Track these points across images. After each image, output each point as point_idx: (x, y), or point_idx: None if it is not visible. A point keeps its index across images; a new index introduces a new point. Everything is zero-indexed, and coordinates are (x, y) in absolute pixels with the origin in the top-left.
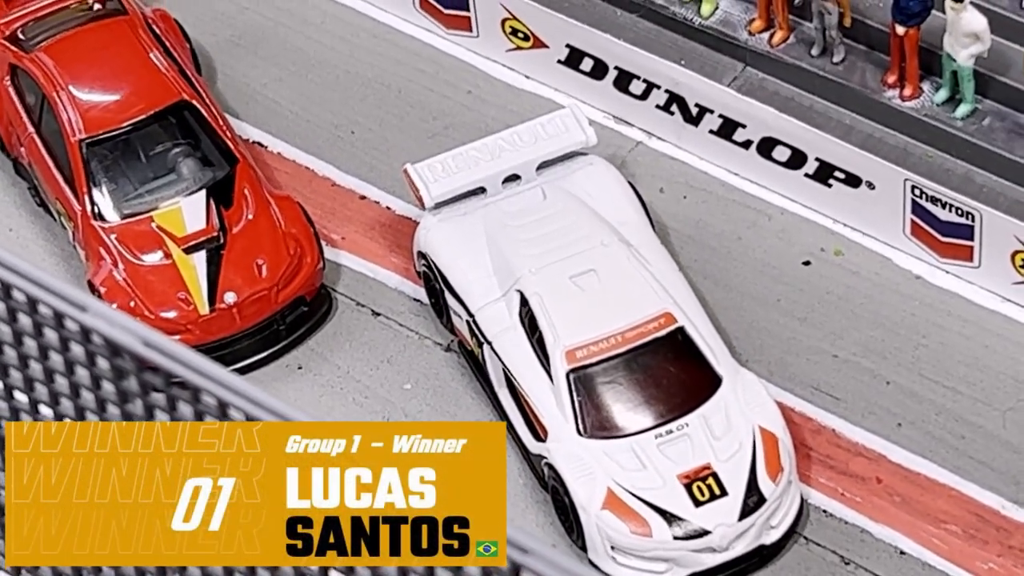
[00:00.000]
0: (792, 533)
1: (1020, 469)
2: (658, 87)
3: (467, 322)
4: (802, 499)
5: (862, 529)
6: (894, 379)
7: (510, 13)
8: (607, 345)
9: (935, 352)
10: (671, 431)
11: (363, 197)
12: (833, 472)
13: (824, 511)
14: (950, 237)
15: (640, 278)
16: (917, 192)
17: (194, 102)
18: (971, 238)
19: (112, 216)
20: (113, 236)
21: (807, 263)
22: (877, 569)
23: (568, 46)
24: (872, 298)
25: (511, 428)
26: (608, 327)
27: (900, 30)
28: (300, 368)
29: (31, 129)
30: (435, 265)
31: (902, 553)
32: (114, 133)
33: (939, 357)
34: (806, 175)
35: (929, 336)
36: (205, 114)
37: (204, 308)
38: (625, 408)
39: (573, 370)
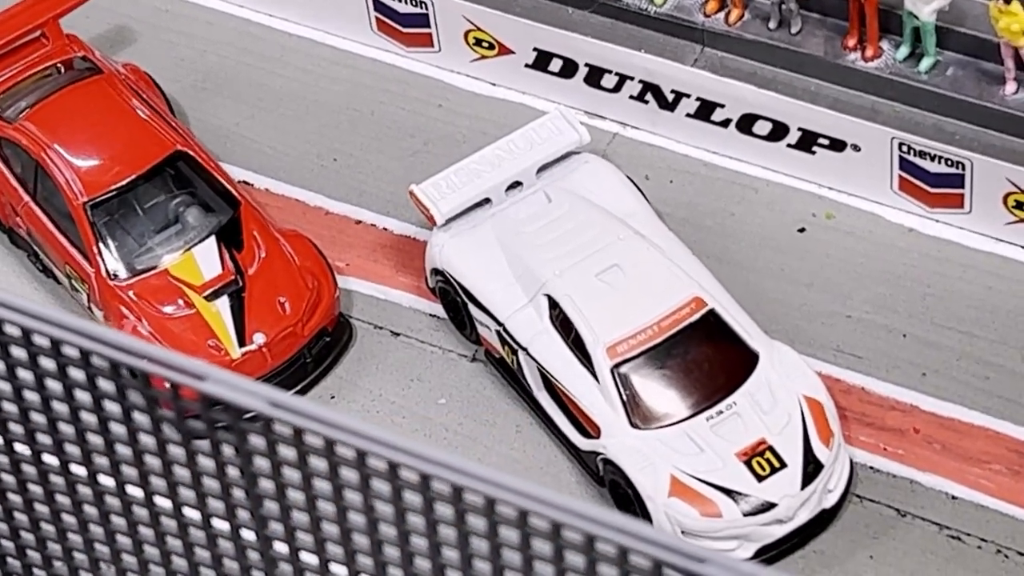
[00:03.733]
0: (847, 494)
1: None
2: (631, 78)
3: (496, 332)
4: (850, 459)
5: (911, 480)
6: (909, 331)
7: (473, 24)
8: (645, 337)
9: (942, 300)
10: (720, 411)
11: (359, 222)
12: (871, 429)
13: (871, 467)
14: (940, 188)
15: (662, 267)
16: (905, 149)
17: (188, 150)
18: (962, 186)
19: (127, 273)
20: (132, 292)
21: (802, 230)
22: (933, 516)
23: (536, 49)
24: (870, 256)
25: (555, 428)
26: (642, 319)
27: None
28: (333, 397)
29: (27, 198)
30: (455, 280)
31: (954, 498)
32: (116, 191)
33: (947, 304)
34: (788, 145)
35: (933, 285)
36: (200, 161)
37: (235, 352)
38: (672, 395)
39: (616, 365)
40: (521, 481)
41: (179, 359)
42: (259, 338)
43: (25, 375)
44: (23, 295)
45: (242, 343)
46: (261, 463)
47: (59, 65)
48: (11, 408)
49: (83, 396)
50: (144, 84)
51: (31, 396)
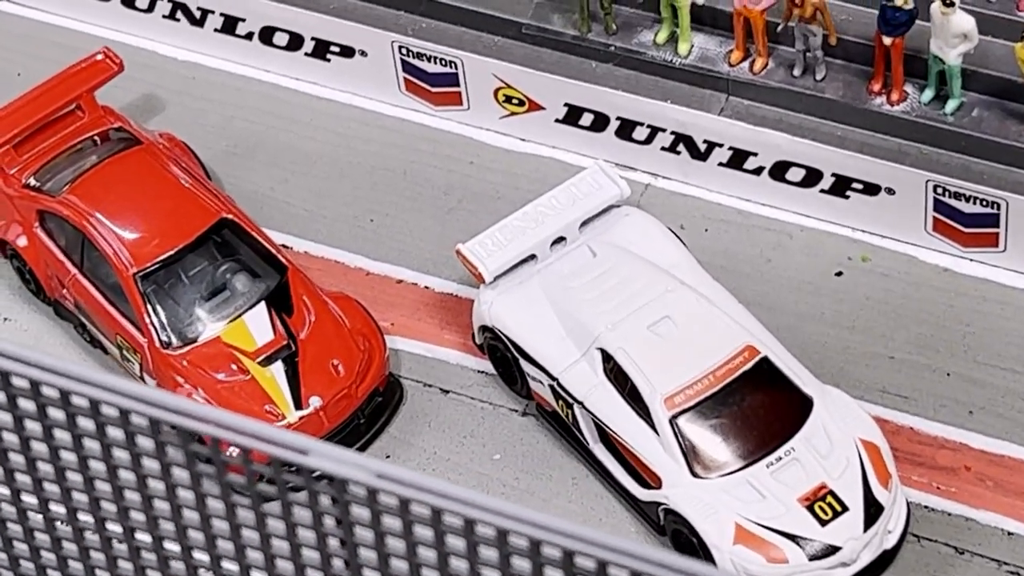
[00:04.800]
0: (905, 534)
1: None
2: (663, 130)
3: (550, 386)
4: (906, 499)
5: (966, 518)
6: (953, 370)
7: (503, 82)
8: (701, 387)
9: (982, 338)
10: (780, 458)
11: (400, 281)
12: (923, 468)
13: (925, 507)
14: (975, 228)
15: (713, 316)
16: (940, 191)
17: (233, 217)
18: (997, 225)
19: (179, 342)
20: (185, 361)
21: (839, 273)
22: (990, 553)
23: (567, 104)
24: (909, 296)
25: (613, 480)
26: (697, 369)
27: (887, 40)
28: (388, 457)
29: (74, 270)
30: (505, 336)
31: (1009, 534)
32: (165, 261)
33: (987, 342)
34: (822, 191)
35: (972, 323)
36: (246, 227)
37: (292, 416)
38: (731, 444)
39: (675, 416)
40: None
41: (280, 434)
42: (315, 401)
43: (91, 444)
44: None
45: (298, 407)
46: (364, 533)
47: (96, 137)
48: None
49: (151, 464)
50: (181, 152)
51: (97, 465)
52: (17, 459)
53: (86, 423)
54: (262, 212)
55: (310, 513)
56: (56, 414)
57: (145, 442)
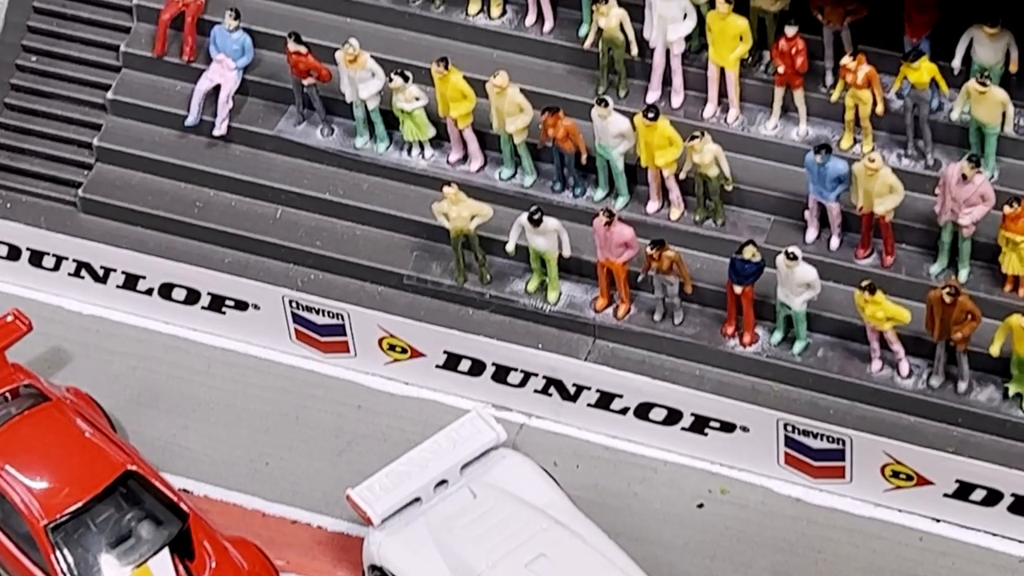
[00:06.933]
0: None
1: None
2: (535, 375)
3: None
4: None
5: None
6: None
7: (387, 332)
8: None
9: (833, 565)
10: None
11: (294, 522)
12: None
13: None
14: (823, 461)
15: (584, 553)
16: (790, 428)
17: (136, 469)
18: (843, 459)
19: None
20: None
21: (700, 505)
22: None
23: (446, 352)
24: (764, 525)
25: None
26: None
27: (738, 289)
28: None
29: None
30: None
31: None
32: (74, 512)
33: (838, 568)
34: (683, 428)
35: (824, 550)
36: (149, 477)
37: None
38: None
39: None
40: None
41: None
42: None
43: None
44: None
45: None
46: None
47: (7, 394)
48: None
49: None
50: (87, 405)
51: None
52: None
53: None
54: (164, 458)
55: None
56: None
57: None
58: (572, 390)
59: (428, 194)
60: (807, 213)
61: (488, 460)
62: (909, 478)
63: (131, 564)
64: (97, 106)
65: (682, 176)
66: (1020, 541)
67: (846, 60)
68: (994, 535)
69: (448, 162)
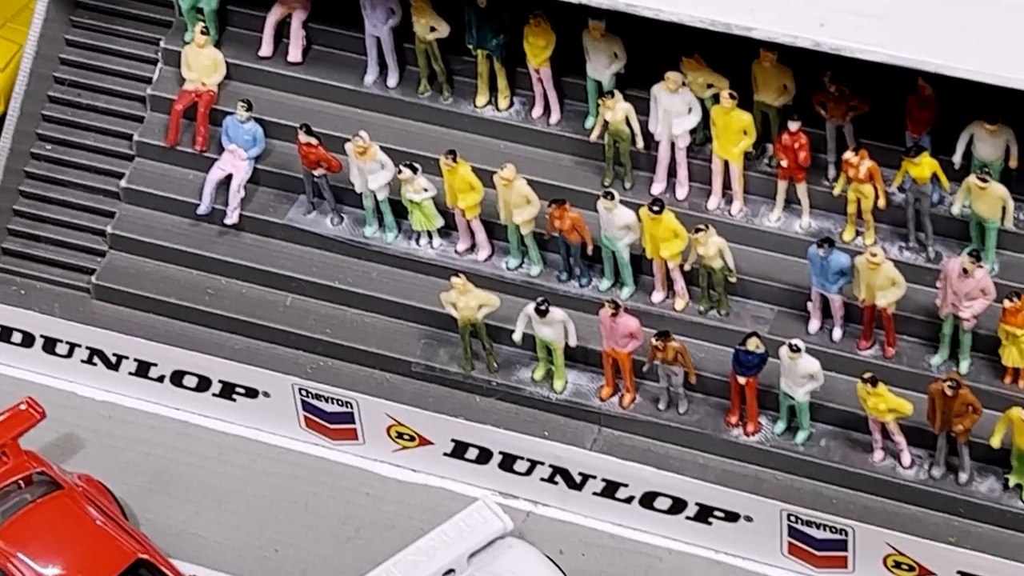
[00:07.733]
0: None
1: None
2: (541, 463)
3: None
4: None
5: None
6: None
7: (395, 420)
8: None
9: None
10: None
11: None
12: None
13: None
14: (826, 551)
15: None
16: (793, 519)
17: (147, 557)
18: (845, 549)
19: None
20: None
21: None
22: None
23: (453, 440)
24: None
25: None
26: None
27: (741, 380)
28: None
29: None
30: None
31: None
32: None
33: None
34: (687, 518)
35: None
36: (159, 565)
37: None
38: None
39: None
40: None
41: None
42: None
43: None
44: None
45: None
46: None
47: (20, 481)
48: None
49: None
50: (98, 492)
51: None
52: None
53: None
54: (175, 545)
55: None
56: None
57: None
58: (578, 479)
59: (436, 283)
60: (810, 304)
61: (495, 549)
62: (911, 568)
63: None
64: (111, 194)
65: (687, 268)
66: None
67: (848, 155)
68: None
69: (456, 251)
